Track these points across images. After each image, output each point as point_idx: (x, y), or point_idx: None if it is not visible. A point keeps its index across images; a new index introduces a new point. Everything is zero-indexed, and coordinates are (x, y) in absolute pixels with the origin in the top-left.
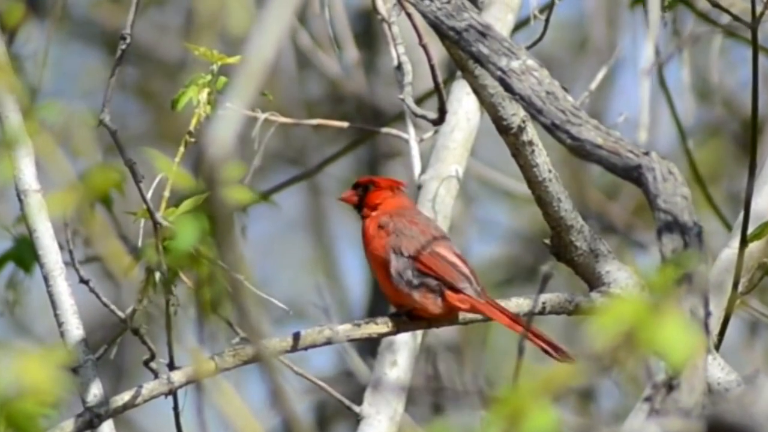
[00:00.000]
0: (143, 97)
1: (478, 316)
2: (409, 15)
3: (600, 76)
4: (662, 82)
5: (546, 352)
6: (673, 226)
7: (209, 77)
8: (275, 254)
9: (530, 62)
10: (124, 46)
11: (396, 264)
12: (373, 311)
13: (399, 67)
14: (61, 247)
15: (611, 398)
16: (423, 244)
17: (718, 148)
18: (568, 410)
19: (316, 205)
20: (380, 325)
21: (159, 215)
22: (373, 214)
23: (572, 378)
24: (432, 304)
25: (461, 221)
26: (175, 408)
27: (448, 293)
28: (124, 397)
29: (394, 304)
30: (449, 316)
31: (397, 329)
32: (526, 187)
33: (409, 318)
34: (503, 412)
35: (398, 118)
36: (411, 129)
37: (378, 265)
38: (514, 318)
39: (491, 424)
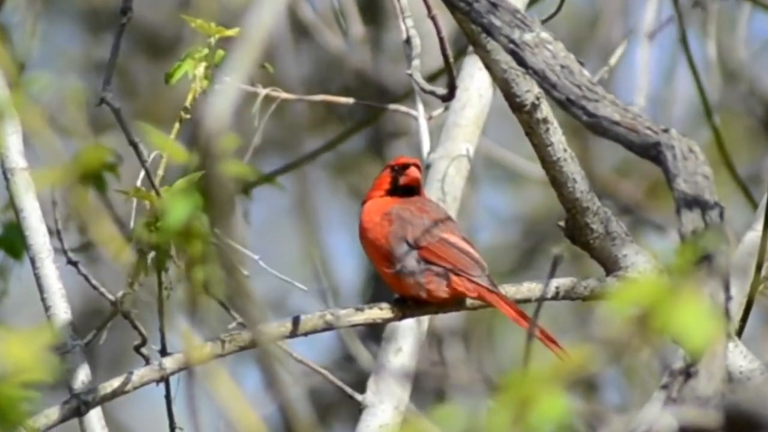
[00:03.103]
0: (119, 75)
1: None
2: None
3: (619, 51)
4: (685, 45)
5: (549, 347)
6: (693, 206)
7: (206, 51)
8: (265, 240)
9: (544, 35)
10: (125, 20)
11: (399, 253)
12: (367, 299)
13: (408, 41)
14: (50, 232)
15: (614, 390)
16: (431, 232)
17: (736, 126)
18: (574, 399)
19: (303, 188)
20: (384, 310)
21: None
22: (373, 202)
23: (584, 365)
24: (438, 289)
25: (469, 203)
26: (167, 395)
27: (455, 279)
28: (114, 383)
29: (398, 293)
30: (455, 300)
31: (402, 314)
32: (540, 167)
33: (414, 303)
34: (512, 399)
35: (404, 96)
36: (420, 105)
37: (378, 254)
38: (521, 312)
39: (499, 412)
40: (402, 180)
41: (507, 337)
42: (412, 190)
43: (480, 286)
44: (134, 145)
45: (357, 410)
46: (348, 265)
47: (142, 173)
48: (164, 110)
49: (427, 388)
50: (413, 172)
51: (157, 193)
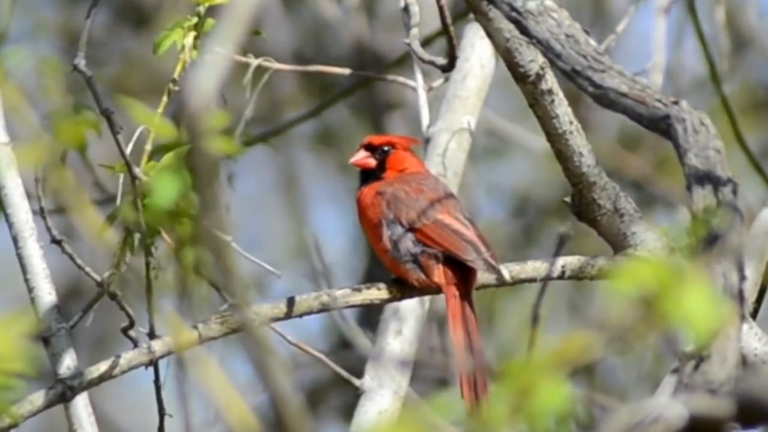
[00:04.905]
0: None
1: (491, 281)
2: None
3: (627, 20)
4: (692, 11)
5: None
6: (704, 182)
7: (195, 19)
8: (253, 216)
9: (548, 2)
10: None
11: (392, 234)
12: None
13: (406, 9)
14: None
15: (615, 374)
16: (426, 212)
17: (747, 97)
18: (576, 387)
19: (287, 162)
20: (382, 291)
21: (138, 170)
22: (374, 182)
23: (587, 351)
24: (434, 273)
25: (470, 177)
26: (156, 380)
27: (437, 270)
28: (101, 367)
29: (395, 274)
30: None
31: (401, 295)
32: (544, 140)
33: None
34: (513, 386)
35: (401, 65)
36: (419, 76)
37: (374, 235)
38: (469, 343)
39: (500, 399)
40: None
41: (509, 323)
42: (367, 174)
43: (450, 284)
44: (107, 115)
45: (355, 395)
46: (341, 244)
47: (129, 147)
48: (144, 80)
49: (427, 374)
50: (356, 157)
51: (129, 169)
